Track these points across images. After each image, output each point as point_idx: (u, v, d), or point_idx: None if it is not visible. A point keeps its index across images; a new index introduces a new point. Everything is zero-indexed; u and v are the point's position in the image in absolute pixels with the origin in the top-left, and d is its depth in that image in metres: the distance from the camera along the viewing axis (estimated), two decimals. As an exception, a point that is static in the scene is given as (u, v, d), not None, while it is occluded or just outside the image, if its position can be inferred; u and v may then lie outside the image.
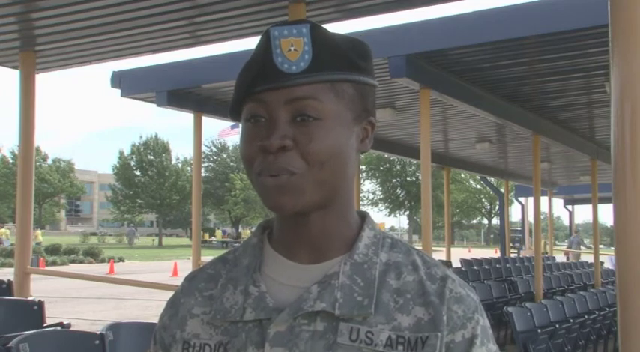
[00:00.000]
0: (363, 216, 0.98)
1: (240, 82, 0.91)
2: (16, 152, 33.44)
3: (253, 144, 0.89)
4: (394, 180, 59.78)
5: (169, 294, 1.07)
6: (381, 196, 60.79)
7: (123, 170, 53.08)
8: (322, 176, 0.87)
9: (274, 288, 0.92)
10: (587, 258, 17.38)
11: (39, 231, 34.33)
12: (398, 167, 58.52)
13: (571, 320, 6.99)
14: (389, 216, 62.68)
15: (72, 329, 4.88)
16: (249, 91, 0.89)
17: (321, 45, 0.88)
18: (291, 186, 0.87)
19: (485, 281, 9.94)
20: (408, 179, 58.87)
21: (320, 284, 0.89)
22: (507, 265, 13.43)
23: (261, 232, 1.00)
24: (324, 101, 0.88)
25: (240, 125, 0.93)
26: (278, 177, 0.86)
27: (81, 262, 26.83)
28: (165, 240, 54.65)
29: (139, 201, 53.08)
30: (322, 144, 0.87)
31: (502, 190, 20.60)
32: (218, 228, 57.06)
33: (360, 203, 38.18)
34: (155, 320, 1.05)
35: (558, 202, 28.08)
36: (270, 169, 0.86)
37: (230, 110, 0.95)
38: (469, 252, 39.77)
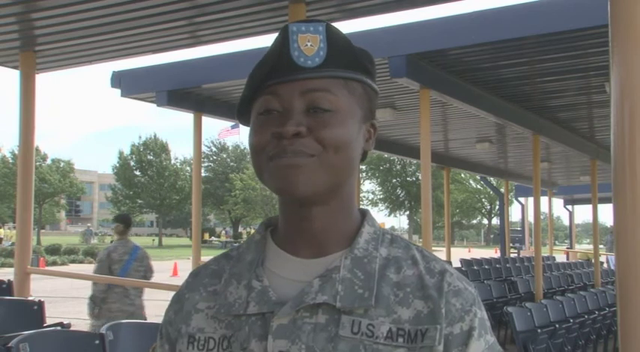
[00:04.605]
0: (364, 213, 1.01)
1: (254, 75, 0.93)
2: (16, 152, 33.44)
3: (266, 132, 0.91)
4: (394, 180, 59.74)
5: (169, 294, 1.07)
6: (381, 196, 60.76)
7: (123, 170, 53.03)
8: (336, 161, 0.90)
9: (277, 282, 0.94)
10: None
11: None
12: (398, 167, 58.48)
13: (571, 320, 6.99)
14: (389, 216, 62.69)
15: (72, 329, 4.88)
16: (264, 84, 0.92)
17: (336, 43, 0.92)
18: (306, 166, 0.89)
19: (485, 281, 9.95)
20: (408, 179, 58.83)
21: (321, 278, 0.91)
22: (507, 265, 13.44)
23: (264, 229, 1.02)
24: (337, 95, 0.92)
25: (251, 119, 0.95)
26: (294, 159, 0.88)
27: (81, 262, 26.82)
28: (165, 240, 54.60)
29: (139, 201, 53.04)
30: (336, 131, 0.90)
31: (502, 190, 20.60)
32: (224, 229, 57.03)
33: (360, 203, 38.18)
34: (155, 320, 1.06)
35: (558, 202, 28.09)
36: (287, 151, 0.89)
37: (239, 109, 0.98)
38: (469, 252, 39.77)
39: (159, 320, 1.07)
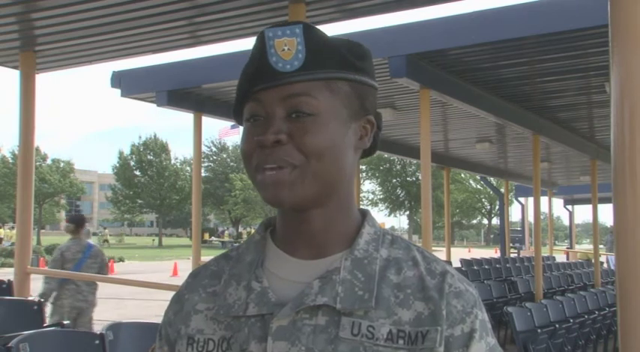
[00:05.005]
0: (364, 214, 1.00)
1: (239, 83, 0.94)
2: (16, 152, 33.43)
3: (251, 141, 0.91)
4: (394, 180, 59.77)
5: (169, 294, 1.07)
6: (381, 196, 60.80)
7: (123, 170, 53.06)
8: (319, 168, 0.89)
9: (276, 284, 0.93)
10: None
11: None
12: (398, 167, 58.51)
13: (571, 320, 6.99)
14: (389, 216, 62.73)
15: (72, 329, 4.88)
16: (248, 92, 0.92)
17: (314, 44, 0.91)
18: (289, 180, 0.89)
19: (485, 281, 9.94)
20: (408, 179, 58.86)
21: (321, 279, 0.91)
22: (507, 265, 13.44)
23: (264, 229, 1.02)
24: (318, 98, 0.90)
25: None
26: (276, 172, 0.89)
27: (81, 262, 26.78)
28: (165, 240, 54.57)
29: (139, 201, 53.07)
30: (317, 137, 0.89)
31: (502, 190, 20.60)
32: (227, 228, 57.00)
33: (360, 203, 38.18)
34: (155, 320, 1.06)
35: (558, 202, 28.09)
36: (268, 161, 0.89)
37: (234, 113, 0.98)
38: (469, 252, 39.77)
39: (159, 320, 1.07)
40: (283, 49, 0.90)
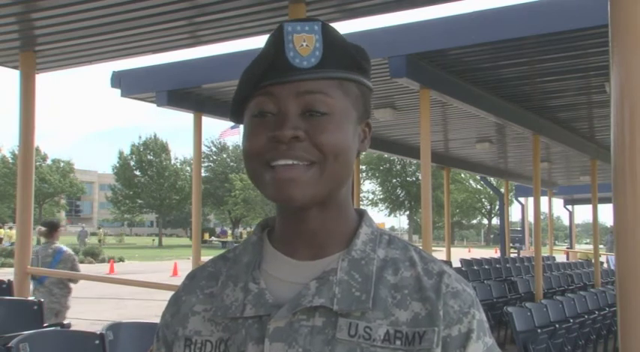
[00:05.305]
0: (361, 214, 0.99)
1: (248, 76, 0.91)
2: (16, 152, 33.42)
3: (261, 136, 0.89)
4: (394, 180, 59.76)
5: (169, 294, 1.07)
6: (381, 196, 60.78)
7: (123, 170, 53.03)
8: (335, 168, 0.89)
9: (274, 285, 0.93)
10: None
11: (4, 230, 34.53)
12: (398, 167, 58.50)
13: (571, 320, 6.99)
14: (389, 216, 62.75)
15: (72, 329, 4.88)
16: (258, 85, 0.90)
17: (331, 43, 0.90)
18: (306, 179, 0.87)
19: (485, 281, 9.94)
20: (408, 179, 58.85)
21: (318, 280, 0.90)
22: (507, 265, 13.44)
23: (261, 230, 1.01)
24: (333, 96, 0.90)
25: (245, 121, 0.93)
26: (292, 168, 0.87)
27: (81, 262, 26.64)
28: (165, 240, 54.55)
29: (139, 201, 53.05)
30: (333, 136, 0.88)
31: (502, 190, 20.60)
32: (231, 229, 57.06)
33: (360, 203, 38.20)
34: (155, 320, 1.06)
35: (558, 202, 28.09)
36: (284, 156, 0.87)
37: (232, 110, 0.95)
38: (469, 252, 39.76)
39: (159, 320, 1.06)
40: (302, 45, 0.89)
